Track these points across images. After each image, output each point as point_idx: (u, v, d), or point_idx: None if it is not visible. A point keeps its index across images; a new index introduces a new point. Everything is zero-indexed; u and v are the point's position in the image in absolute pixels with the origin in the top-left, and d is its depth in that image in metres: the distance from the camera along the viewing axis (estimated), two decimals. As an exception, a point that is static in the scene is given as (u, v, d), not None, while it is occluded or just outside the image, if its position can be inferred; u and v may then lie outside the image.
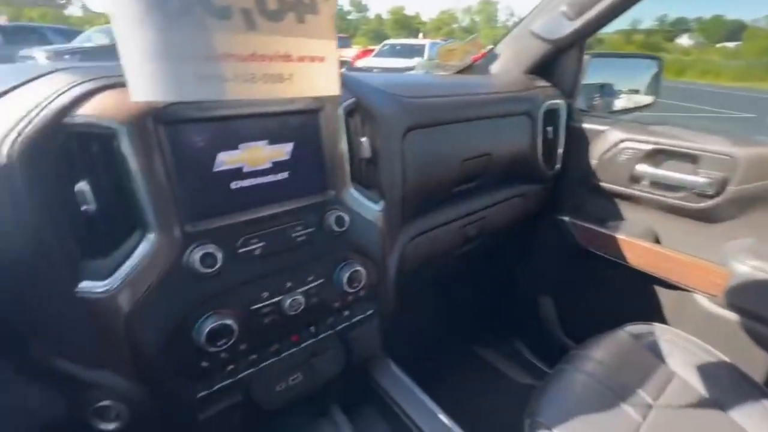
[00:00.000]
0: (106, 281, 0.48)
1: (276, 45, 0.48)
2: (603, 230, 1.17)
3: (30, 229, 0.45)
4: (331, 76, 0.55)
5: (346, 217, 0.64)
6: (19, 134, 0.43)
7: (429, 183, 0.89)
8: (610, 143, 1.14)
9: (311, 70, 0.52)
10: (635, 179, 1.11)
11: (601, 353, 0.90)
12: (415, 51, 10.05)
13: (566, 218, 1.27)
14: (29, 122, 0.43)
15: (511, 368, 1.51)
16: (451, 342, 1.57)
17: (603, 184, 1.18)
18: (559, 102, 1.19)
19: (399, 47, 10.65)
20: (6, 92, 0.46)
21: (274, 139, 0.58)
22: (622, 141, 1.12)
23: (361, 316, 0.74)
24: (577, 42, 1.13)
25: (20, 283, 0.47)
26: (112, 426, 0.55)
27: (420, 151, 0.84)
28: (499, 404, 1.33)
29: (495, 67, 1.27)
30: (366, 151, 0.70)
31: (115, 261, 0.49)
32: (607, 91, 1.70)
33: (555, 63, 1.24)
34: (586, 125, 1.21)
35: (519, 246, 1.44)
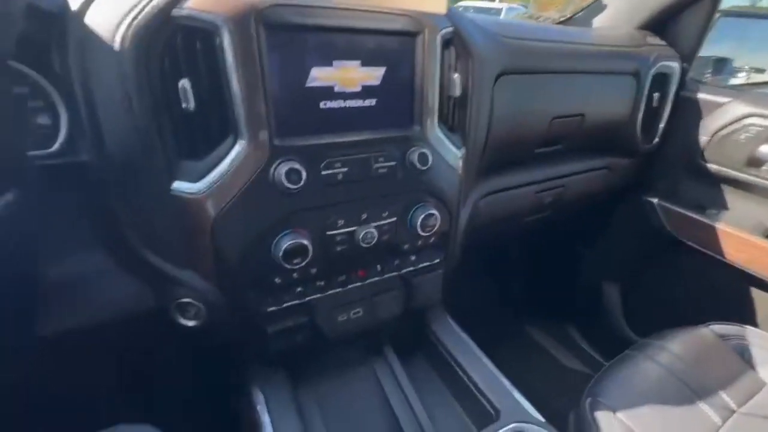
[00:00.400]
0: (198, 184, 0.49)
1: (391, -57, 0.43)
2: (701, 218, 1.03)
3: (136, 122, 0.46)
4: (441, -9, 0.49)
5: (430, 156, 0.61)
6: (132, 22, 0.43)
7: (513, 137, 0.82)
8: (731, 118, 0.98)
9: (422, -20, 0.47)
10: (755, 163, 0.95)
11: (680, 347, 0.82)
12: (490, 15, 9.37)
13: (655, 200, 1.14)
14: (141, 10, 0.43)
15: (561, 352, 1.44)
16: (501, 315, 1.52)
17: (711, 166, 1.02)
18: (674, 65, 1.03)
19: (472, 10, 9.98)
20: None
21: (368, 60, 0.54)
22: (747, 117, 0.95)
23: (428, 263, 0.72)
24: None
25: (124, 175, 0.50)
26: (191, 323, 0.58)
27: (510, 100, 0.77)
28: (546, 385, 1.29)
29: (600, 20, 1.12)
30: (456, 88, 0.64)
31: (207, 165, 0.50)
32: (722, 67, 1.46)
33: (676, 19, 1.07)
34: (701, 95, 1.05)
35: (592, 224, 1.33)
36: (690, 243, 1.08)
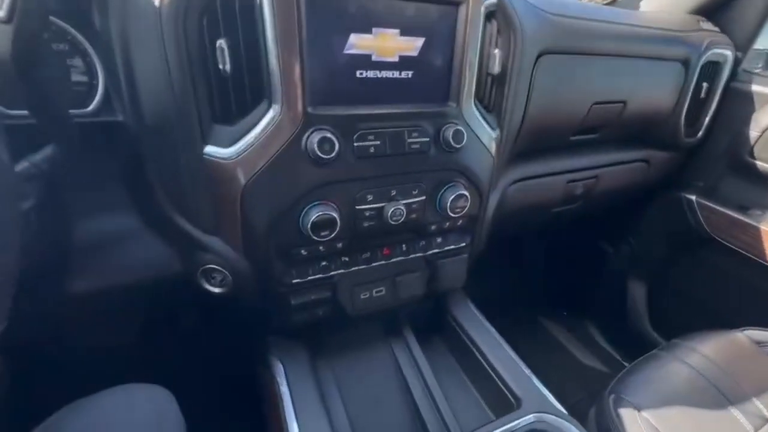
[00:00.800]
0: (230, 149, 0.49)
1: None
2: (744, 218, 0.97)
3: (172, 83, 0.45)
4: (491, -46, 0.46)
5: (465, 134, 0.58)
6: None
7: (549, 122, 0.79)
8: (786, 113, 0.91)
9: (473, -59, 0.44)
10: (810, 162, 0.89)
11: (712, 350, 0.78)
12: None
13: (693, 197, 1.08)
14: None
15: (577, 348, 1.41)
16: (517, 306, 1.50)
17: (759, 164, 0.96)
18: (727, 53, 0.97)
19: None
20: None
21: (407, 29, 0.52)
22: (805, 112, 0.89)
23: (454, 246, 0.70)
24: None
25: (158, 136, 0.50)
26: (216, 290, 0.59)
27: (550, 81, 0.73)
28: (561, 380, 1.27)
29: (649, 3, 1.05)
30: (496, 65, 0.62)
31: (239, 130, 0.49)
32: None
33: (732, 3, 0.99)
34: (754, 87, 0.98)
35: (621, 219, 1.28)
36: (728, 243, 1.02)
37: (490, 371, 0.67)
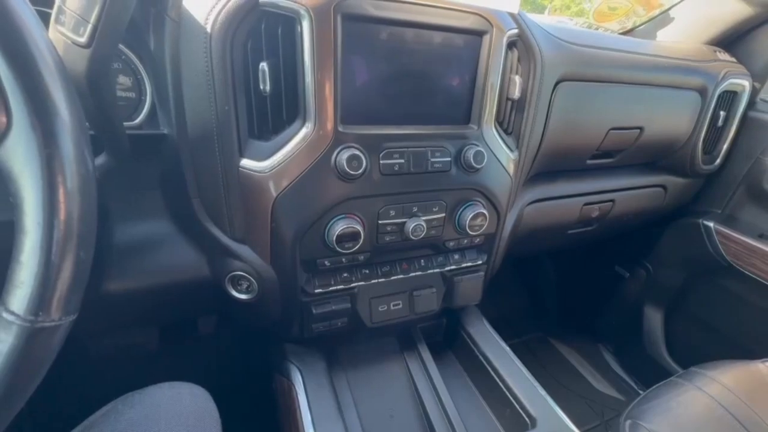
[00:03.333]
0: (265, 162, 0.52)
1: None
2: (763, 247, 0.97)
3: (216, 100, 0.49)
4: (515, -10, 0.50)
5: (485, 155, 0.61)
6: (223, 7, 0.46)
7: (567, 145, 0.81)
8: (806, 143, 0.91)
9: (499, -22, 0.47)
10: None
11: (731, 380, 0.77)
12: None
13: (711, 224, 1.08)
14: None
15: (588, 371, 1.39)
16: (528, 327, 1.49)
17: None
18: (744, 83, 0.98)
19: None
20: None
21: (434, 55, 0.55)
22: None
23: (471, 264, 0.72)
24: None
25: (198, 148, 0.53)
26: (243, 296, 0.61)
27: (568, 106, 0.76)
28: (572, 403, 1.25)
29: (666, 34, 1.08)
30: (516, 91, 0.64)
31: (274, 145, 0.52)
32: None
33: (749, 36, 1.01)
34: (773, 117, 0.99)
35: (637, 245, 1.27)
36: (747, 272, 1.01)
37: (504, 389, 0.67)
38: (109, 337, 0.79)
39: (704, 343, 1.17)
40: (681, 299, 1.23)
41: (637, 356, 1.33)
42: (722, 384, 0.76)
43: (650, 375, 1.23)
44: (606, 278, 1.41)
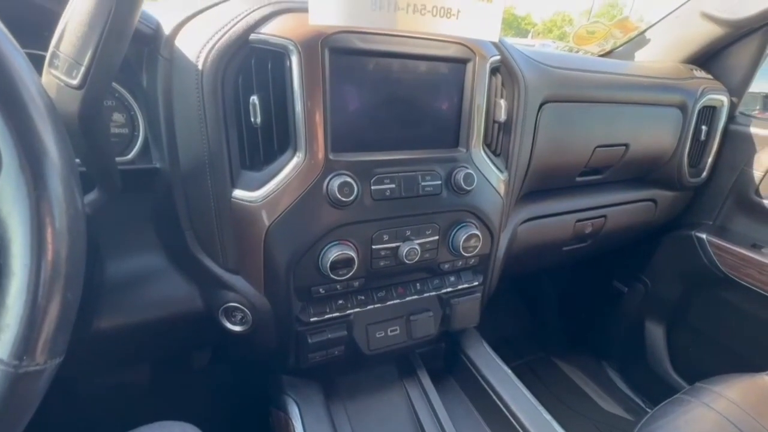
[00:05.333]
0: (257, 192, 0.52)
1: (452, -23, 0.47)
2: (757, 257, 0.97)
3: (208, 133, 0.50)
4: (494, 20, 0.52)
5: (475, 177, 0.62)
6: (214, 44, 0.48)
7: (556, 163, 0.82)
8: (787, 153, 0.94)
9: (478, 10, 0.50)
10: (816, 200, 0.90)
11: (737, 394, 0.75)
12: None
13: (703, 236, 1.09)
14: (223, 35, 0.48)
15: (593, 389, 1.36)
16: (530, 347, 1.46)
17: (766, 202, 0.98)
18: (722, 98, 1.02)
19: (505, 46, 10.11)
20: (205, 9, 0.52)
21: (420, 83, 0.57)
22: (806, 152, 0.91)
23: (467, 285, 0.71)
24: (766, 25, 0.94)
25: (191, 181, 0.54)
26: (237, 328, 0.60)
27: (554, 126, 0.78)
28: (578, 424, 1.21)
29: (643, 54, 1.12)
30: (502, 114, 0.66)
31: (266, 175, 0.53)
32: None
33: (722, 54, 1.06)
34: (753, 130, 1.01)
35: (633, 258, 1.27)
36: (744, 282, 1.01)
37: (508, 414, 0.65)
38: (99, 376, 0.77)
39: (708, 357, 1.15)
40: (681, 313, 1.22)
41: (642, 373, 1.30)
42: (729, 399, 0.74)
43: (656, 391, 1.20)
44: (605, 294, 1.40)
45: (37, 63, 0.40)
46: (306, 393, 0.66)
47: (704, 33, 1.01)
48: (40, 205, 0.25)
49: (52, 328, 0.27)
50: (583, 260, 1.15)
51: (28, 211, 0.25)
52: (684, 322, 1.21)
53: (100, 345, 0.62)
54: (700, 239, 1.09)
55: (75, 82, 0.35)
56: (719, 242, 1.05)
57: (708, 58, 1.06)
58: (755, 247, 1.00)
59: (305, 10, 0.46)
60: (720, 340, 1.13)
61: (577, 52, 1.30)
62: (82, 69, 0.35)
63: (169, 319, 0.61)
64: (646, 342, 1.28)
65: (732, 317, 1.09)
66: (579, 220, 0.95)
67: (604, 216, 0.99)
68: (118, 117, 0.57)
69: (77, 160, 0.48)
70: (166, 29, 0.50)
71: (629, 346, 1.34)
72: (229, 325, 0.61)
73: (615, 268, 1.36)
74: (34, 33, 0.44)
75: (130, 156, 0.58)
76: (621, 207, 1.01)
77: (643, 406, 1.28)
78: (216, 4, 0.52)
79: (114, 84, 0.55)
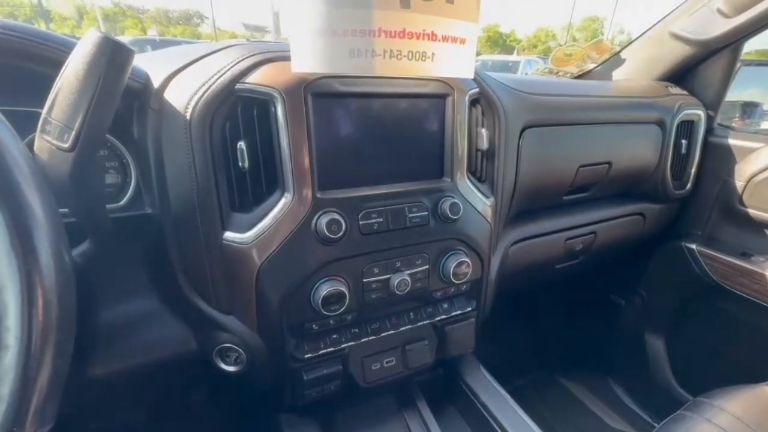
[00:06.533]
0: (247, 234, 0.54)
1: (425, 23, 0.49)
2: (747, 265, 0.99)
3: (198, 179, 0.52)
4: (468, 59, 0.55)
5: (461, 206, 0.63)
6: (202, 96, 0.50)
7: (541, 185, 0.84)
8: (766, 164, 0.96)
9: (452, 51, 0.52)
10: (798, 207, 0.92)
11: (738, 408, 0.75)
12: (509, 68, 9.75)
13: (694, 246, 1.10)
14: (209, 86, 0.50)
15: (598, 407, 1.34)
16: (532, 366, 1.45)
17: (751, 211, 1.00)
18: (698, 113, 1.05)
19: (491, 64, 10.45)
20: (192, 62, 0.54)
21: (402, 120, 0.59)
22: (784, 161, 0.94)
23: (460, 311, 0.72)
24: (733, 43, 0.99)
25: (182, 225, 0.55)
26: (231, 368, 0.60)
27: (536, 150, 0.80)
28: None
29: (620, 74, 1.16)
30: (484, 142, 0.68)
31: (255, 217, 0.54)
32: (752, 111, 1.45)
33: (695, 70, 1.10)
34: (732, 141, 1.04)
35: (628, 273, 1.28)
36: (737, 291, 1.02)
37: None
38: (94, 422, 0.76)
39: (709, 367, 1.15)
40: (679, 323, 1.22)
41: (646, 386, 1.29)
42: (730, 413, 0.74)
43: (661, 405, 1.19)
44: (604, 308, 1.40)
45: (33, 119, 0.42)
46: (304, 430, 0.65)
47: (676, 52, 1.05)
48: (31, 279, 0.26)
49: (43, 397, 0.27)
50: (578, 276, 1.16)
51: (20, 285, 0.26)
52: (683, 332, 1.21)
53: (95, 391, 0.62)
54: (690, 249, 1.10)
55: (66, 145, 0.36)
56: (709, 252, 1.06)
57: (682, 75, 1.10)
58: (744, 255, 1.02)
59: (287, 59, 0.48)
60: (719, 349, 1.13)
61: (557, 73, 1.35)
62: (73, 133, 0.36)
63: (163, 362, 0.60)
64: (648, 355, 1.27)
65: (728, 326, 1.10)
66: (569, 238, 0.97)
67: (594, 232, 1.01)
68: (110, 164, 0.59)
69: (66, 210, 0.49)
70: (155, 82, 0.52)
71: (631, 360, 1.33)
72: (223, 366, 0.60)
73: (611, 282, 1.37)
74: (31, 91, 0.46)
75: (123, 203, 0.59)
76: (610, 222, 1.03)
77: (650, 421, 1.26)
78: (202, 57, 0.54)
79: (110, 137, 0.56)
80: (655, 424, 0.77)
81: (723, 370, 1.11)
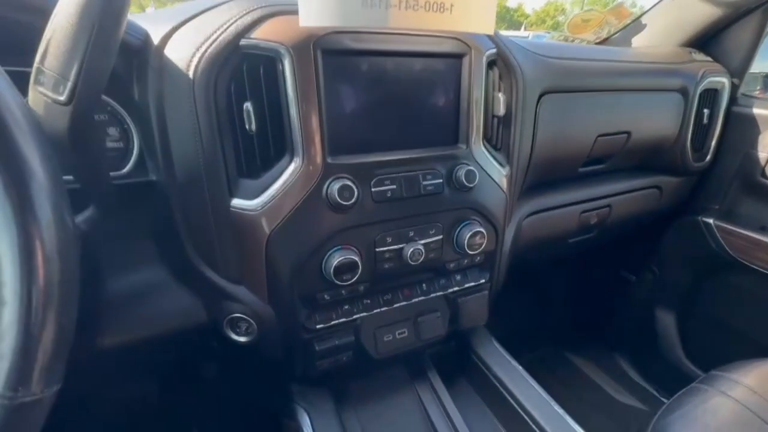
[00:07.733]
0: (256, 200, 0.51)
1: (444, -30, 0.45)
2: (766, 239, 0.96)
3: (203, 143, 0.49)
4: (489, 13, 0.51)
5: (477, 174, 0.61)
6: (204, 52, 0.47)
7: (557, 156, 0.81)
8: (792, 133, 0.92)
9: (472, 3, 0.48)
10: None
11: (755, 381, 0.74)
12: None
13: (710, 220, 1.07)
14: (213, 42, 0.47)
15: (607, 382, 1.34)
16: (541, 341, 1.45)
17: None
18: (723, 80, 1.00)
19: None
20: (193, 17, 0.51)
21: (416, 81, 0.56)
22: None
23: (474, 283, 0.70)
24: (766, 3, 0.93)
25: (188, 192, 0.53)
26: (242, 339, 0.59)
27: (554, 118, 0.77)
28: (593, 417, 1.20)
29: (640, 40, 1.11)
30: (501, 108, 0.65)
31: (264, 183, 0.52)
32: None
33: (720, 36, 1.04)
34: (756, 110, 1.00)
35: (640, 246, 1.26)
36: (753, 266, 1.00)
37: (520, 411, 0.64)
38: (107, 392, 0.76)
39: (722, 343, 1.14)
40: (692, 299, 1.20)
41: (656, 362, 1.29)
42: (746, 386, 0.73)
43: (671, 380, 1.19)
44: (614, 284, 1.39)
45: (23, 80, 0.39)
46: (316, 401, 0.65)
47: (702, 15, 0.99)
48: (28, 230, 0.24)
49: (48, 357, 0.26)
50: (589, 251, 1.14)
51: (16, 237, 0.24)
52: (695, 309, 1.20)
53: (106, 362, 0.61)
54: (707, 224, 1.07)
55: (62, 98, 0.34)
56: (727, 226, 1.04)
57: (706, 41, 1.04)
58: (764, 229, 0.99)
59: (295, 12, 0.45)
60: (732, 325, 1.11)
61: (573, 41, 1.29)
62: (69, 84, 0.34)
63: (173, 333, 0.60)
64: (658, 331, 1.26)
65: (743, 302, 1.08)
66: (584, 211, 0.94)
67: (609, 205, 0.98)
68: (112, 131, 0.57)
69: (70, 177, 0.47)
70: (155, 39, 0.49)
71: (641, 336, 1.32)
72: (234, 336, 0.60)
73: (622, 258, 1.35)
74: (19, 50, 0.43)
75: (126, 170, 0.57)
76: (625, 195, 1.00)
77: (658, 396, 1.27)
78: (204, 11, 0.51)
79: (106, 98, 0.54)
80: (664, 399, 0.76)
81: (736, 345, 1.10)
